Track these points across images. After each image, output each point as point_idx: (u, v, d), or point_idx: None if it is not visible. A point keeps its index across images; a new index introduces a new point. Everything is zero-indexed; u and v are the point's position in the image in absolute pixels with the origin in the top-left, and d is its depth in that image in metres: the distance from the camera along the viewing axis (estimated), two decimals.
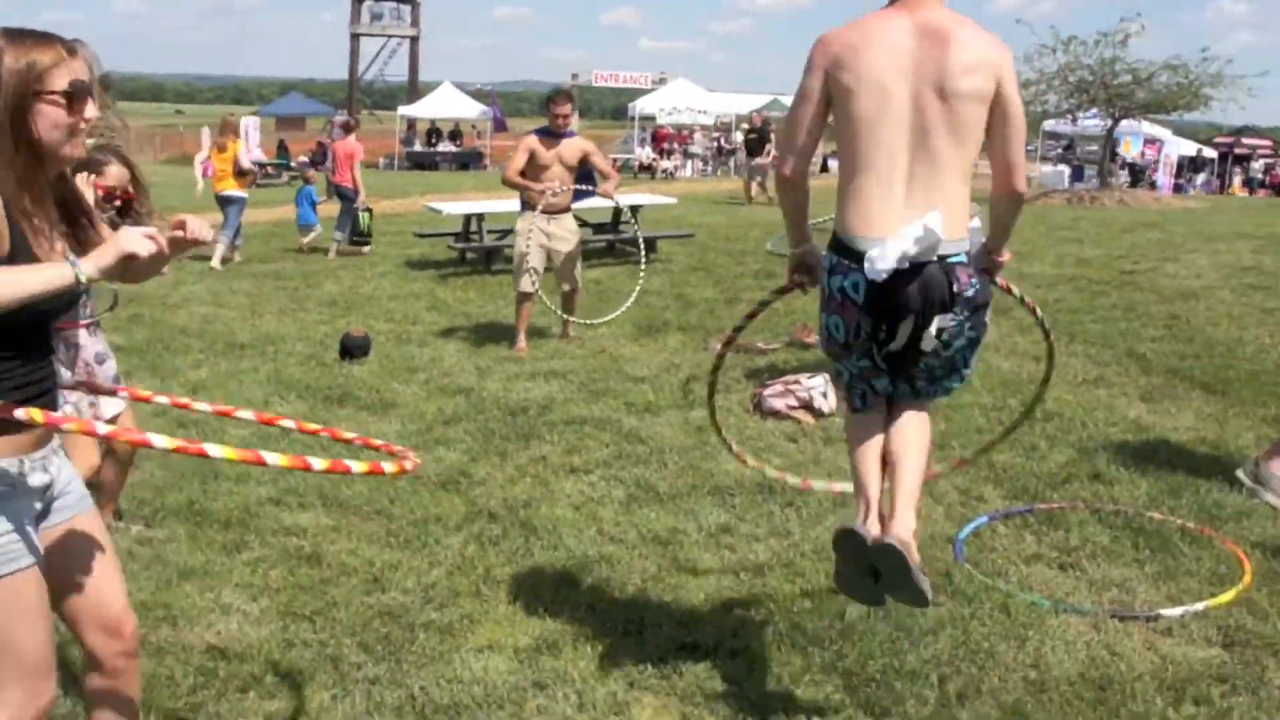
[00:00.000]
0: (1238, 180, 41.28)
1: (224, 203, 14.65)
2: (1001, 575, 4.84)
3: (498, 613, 4.48)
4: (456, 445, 6.63)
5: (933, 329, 3.50)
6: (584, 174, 9.54)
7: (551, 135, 9.22)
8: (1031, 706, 3.78)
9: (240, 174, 14.78)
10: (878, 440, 3.74)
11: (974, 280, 3.54)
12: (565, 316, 9.50)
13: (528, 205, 9.16)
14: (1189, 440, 6.77)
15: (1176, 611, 4.48)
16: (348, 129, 16.81)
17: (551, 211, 9.13)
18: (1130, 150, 38.89)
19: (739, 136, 46.13)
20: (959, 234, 3.49)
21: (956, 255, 3.48)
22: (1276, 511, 5.59)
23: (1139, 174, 38.42)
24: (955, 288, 3.45)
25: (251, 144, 38.06)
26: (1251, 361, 8.78)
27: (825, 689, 3.89)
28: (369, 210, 16.04)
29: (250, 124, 40.27)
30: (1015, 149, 3.54)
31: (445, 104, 47.09)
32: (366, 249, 15.50)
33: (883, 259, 3.34)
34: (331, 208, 16.39)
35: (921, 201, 3.44)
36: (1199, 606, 4.52)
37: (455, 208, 14.87)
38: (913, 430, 3.74)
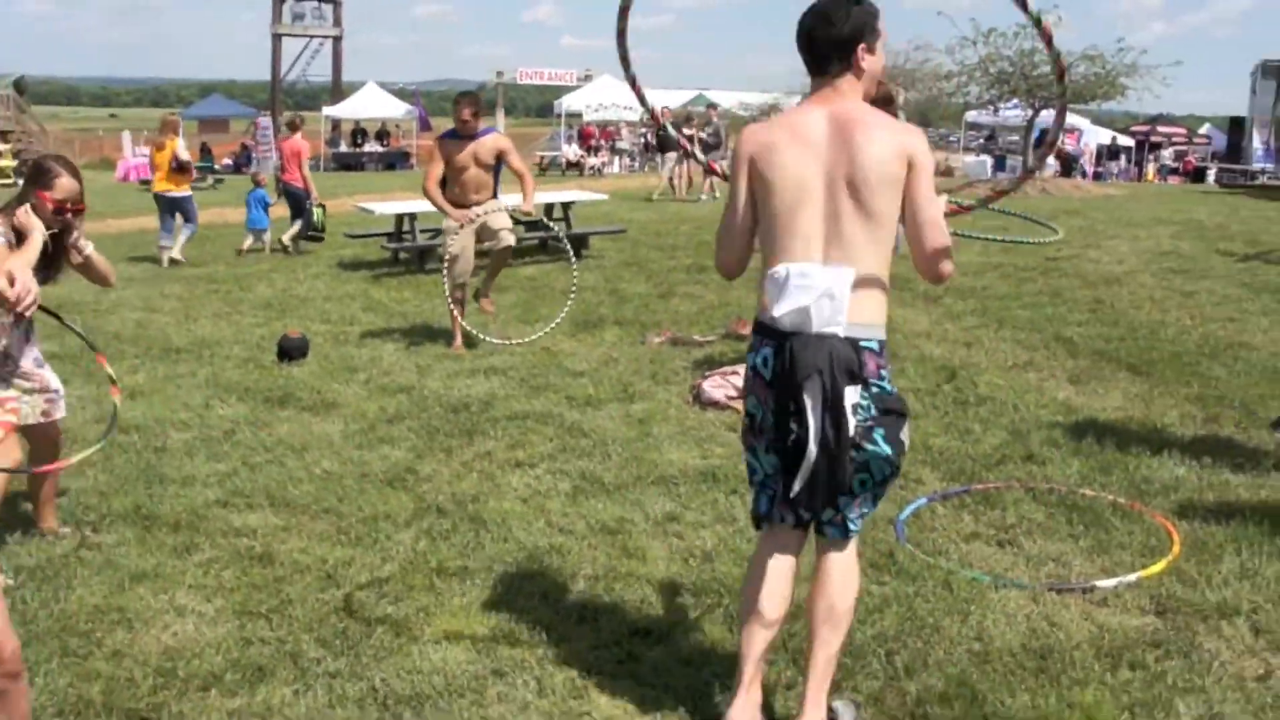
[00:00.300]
0: (1151, 168, 42.05)
1: (167, 203, 14.73)
2: (942, 554, 4.98)
3: (453, 605, 4.54)
4: (401, 443, 6.67)
5: (847, 403, 3.33)
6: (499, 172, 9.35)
7: (461, 136, 9.08)
8: (976, 676, 3.91)
9: (181, 170, 14.78)
10: (778, 586, 3.60)
11: (884, 373, 3.45)
12: (483, 304, 9.46)
13: (455, 204, 9.12)
14: (1117, 420, 6.97)
15: (1111, 583, 4.65)
16: (294, 127, 16.82)
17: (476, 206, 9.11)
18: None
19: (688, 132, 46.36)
20: (870, 319, 3.41)
21: (867, 341, 3.40)
22: None
23: (1071, 163, 39.07)
24: (862, 370, 3.36)
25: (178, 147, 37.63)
26: (1173, 343, 9.03)
27: (777, 667, 3.99)
28: (322, 206, 16.12)
29: None
30: (933, 232, 3.40)
31: (370, 104, 46.83)
32: (318, 245, 15.64)
33: (781, 301, 3.35)
34: (282, 209, 16.37)
35: None
36: (1132, 577, 4.69)
37: (387, 208, 14.85)
38: (835, 588, 3.58)
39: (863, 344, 3.38)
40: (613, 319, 10.23)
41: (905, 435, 3.51)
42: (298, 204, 15.82)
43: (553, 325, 9.07)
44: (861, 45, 3.45)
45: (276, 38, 58.81)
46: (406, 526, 5.39)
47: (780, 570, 3.61)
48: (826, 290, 3.30)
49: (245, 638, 4.27)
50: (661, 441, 6.59)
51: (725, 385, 7.29)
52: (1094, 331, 9.44)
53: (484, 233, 9.22)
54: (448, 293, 8.77)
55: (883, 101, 7.14)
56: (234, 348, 9.28)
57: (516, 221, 9.31)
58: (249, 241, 15.81)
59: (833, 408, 3.31)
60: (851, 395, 3.34)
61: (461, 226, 8.98)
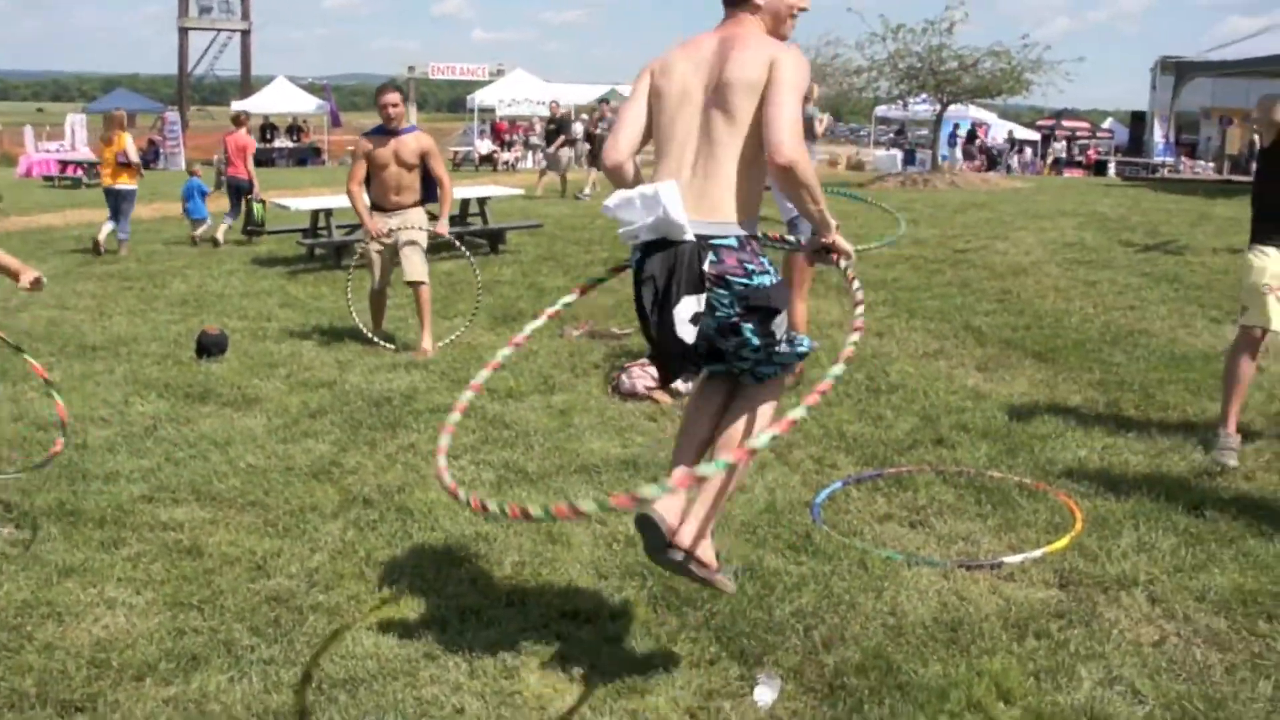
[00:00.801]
0: (1047, 160, 42.84)
1: (115, 196, 15.06)
2: (857, 534, 5.17)
3: (383, 592, 4.63)
4: (324, 437, 6.73)
5: (680, 310, 3.59)
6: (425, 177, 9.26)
7: (385, 133, 9.01)
8: (891, 649, 4.09)
9: (126, 166, 15.10)
10: (697, 404, 4.03)
11: (750, 266, 3.64)
12: (422, 340, 9.16)
13: (375, 203, 9.14)
14: (1023, 405, 7.22)
15: (1017, 558, 4.86)
16: (239, 122, 17.41)
17: (398, 208, 9.09)
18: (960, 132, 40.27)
19: (578, 127, 46.42)
20: (727, 217, 3.64)
21: (724, 239, 3.62)
22: None
23: (995, 158, 39.82)
24: (707, 266, 3.59)
25: (78, 142, 36.99)
26: (1077, 331, 9.34)
27: (701, 644, 4.15)
28: (262, 201, 16.43)
29: (76, 121, 39.09)
30: (774, 128, 3.52)
31: (279, 99, 46.38)
32: (258, 239, 15.85)
33: (611, 201, 3.72)
34: (219, 202, 16.54)
35: (699, 184, 3.68)
36: (1037, 553, 4.91)
37: (303, 203, 14.82)
38: (732, 419, 3.88)
39: (716, 242, 3.63)
40: (531, 313, 10.30)
41: (778, 327, 3.77)
42: (239, 197, 16.04)
43: (454, 336, 9.20)
44: None
45: (183, 31, 58.03)
46: (334, 518, 5.46)
47: (700, 399, 4.04)
48: (661, 204, 3.57)
49: (178, 628, 4.33)
50: (583, 431, 6.71)
51: (644, 376, 7.43)
52: (1001, 321, 9.72)
53: (399, 249, 9.08)
54: (350, 306, 8.71)
55: None
56: (151, 344, 9.24)
57: (433, 217, 9.30)
58: (202, 229, 16.13)
59: (662, 310, 3.65)
60: (690, 304, 3.61)
61: (373, 239, 8.98)
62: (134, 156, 15.18)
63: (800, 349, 3.92)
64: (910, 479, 5.86)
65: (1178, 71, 27.76)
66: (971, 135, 39.33)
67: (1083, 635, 4.22)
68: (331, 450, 6.48)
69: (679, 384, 7.39)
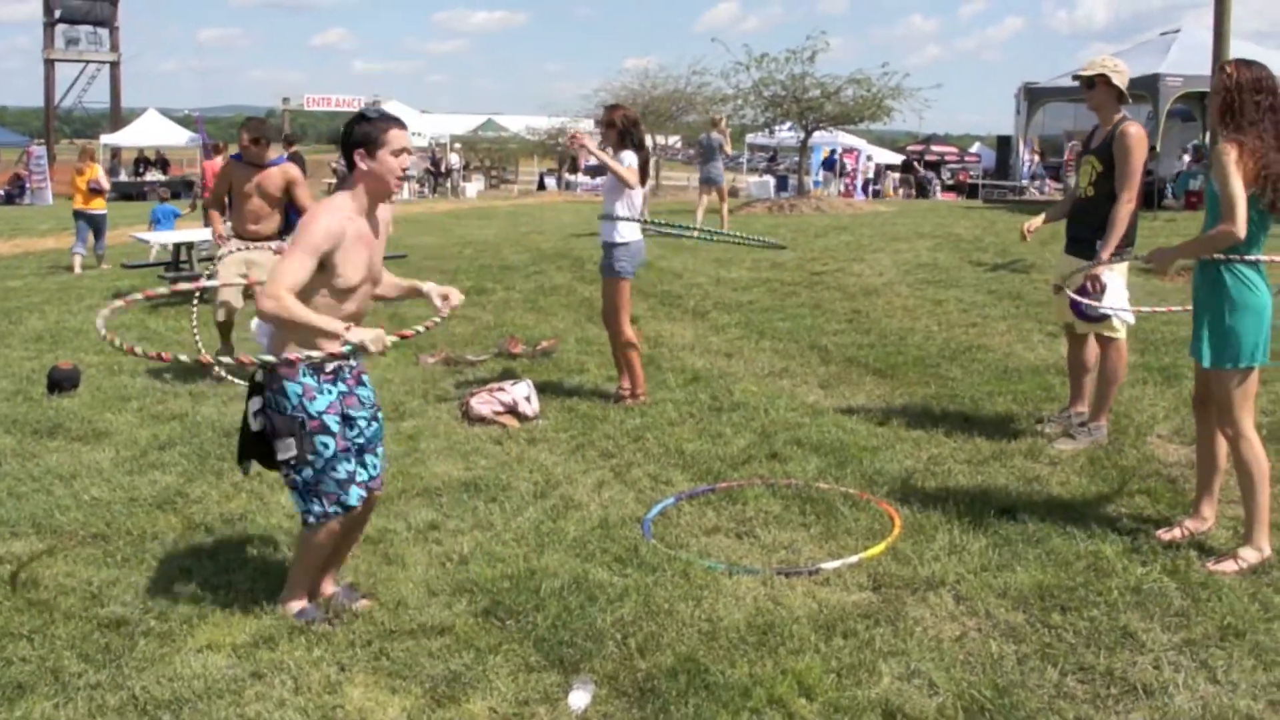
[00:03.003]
0: (887, 182, 43.64)
1: (87, 219, 17.59)
2: (684, 547, 5.38)
3: (215, 616, 4.71)
4: (172, 468, 6.75)
5: (249, 408, 4.59)
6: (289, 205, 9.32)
7: (251, 164, 9.13)
8: (703, 653, 4.29)
9: (98, 192, 17.59)
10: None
11: (285, 385, 4.45)
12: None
13: (235, 231, 9.19)
14: (859, 419, 7.51)
15: (834, 564, 5.11)
16: (218, 150, 19.66)
17: (254, 238, 9.13)
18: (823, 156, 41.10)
19: (455, 158, 46.47)
20: (277, 350, 4.47)
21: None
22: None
23: (925, 186, 40.69)
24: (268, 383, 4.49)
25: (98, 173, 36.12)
26: (919, 348, 9.70)
27: (522, 654, 4.31)
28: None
29: None
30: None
31: (151, 131, 45.75)
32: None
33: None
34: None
35: None
36: (853, 559, 5.16)
37: (163, 238, 14.72)
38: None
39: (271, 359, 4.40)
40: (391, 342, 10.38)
41: (286, 448, 4.47)
42: None
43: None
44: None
45: (49, 63, 56.79)
46: (175, 546, 5.52)
47: None
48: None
49: (5, 659, 4.36)
50: (428, 456, 6.84)
51: (492, 401, 7.58)
52: (848, 340, 10.05)
53: (253, 286, 9.04)
54: (197, 338, 8.68)
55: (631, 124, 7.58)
56: (1, 381, 9.15)
57: None
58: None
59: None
60: (254, 404, 4.55)
61: (221, 242, 9.08)
62: (105, 184, 17.99)
63: (323, 507, 4.57)
64: (741, 492, 6.09)
65: (1032, 97, 28.70)
66: (829, 162, 40.15)
67: (888, 633, 4.47)
68: (178, 481, 6.52)
69: (527, 408, 7.56)
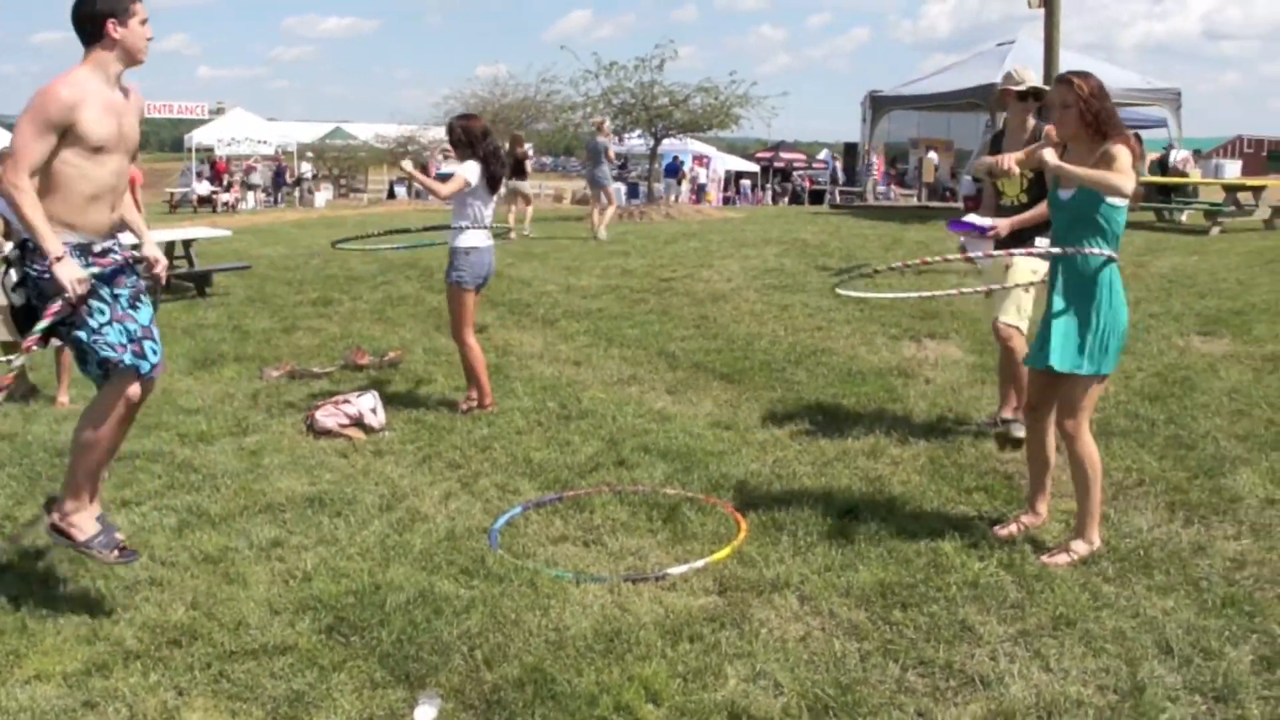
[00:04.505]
0: (712, 190, 44.26)
1: None
2: (531, 556, 5.35)
3: (45, 645, 4.53)
4: (0, 490, 6.51)
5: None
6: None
7: None
8: (550, 662, 4.28)
9: None
10: None
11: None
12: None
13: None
14: (706, 424, 7.57)
15: (681, 569, 5.13)
16: (132, 158, 19.70)
17: None
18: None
19: (307, 167, 45.74)
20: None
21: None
22: None
23: (799, 193, 41.11)
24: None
25: None
26: (765, 352, 9.81)
27: (367, 670, 4.25)
28: None
29: None
30: None
31: None
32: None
33: None
34: None
35: None
36: (699, 563, 5.19)
37: None
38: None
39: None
40: (233, 355, 10.19)
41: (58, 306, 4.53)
42: None
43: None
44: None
45: None
46: (2, 572, 5.31)
47: None
48: None
49: None
50: (272, 471, 6.70)
51: (337, 414, 7.46)
52: (695, 345, 10.12)
53: None
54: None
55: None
56: None
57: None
58: None
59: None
60: (10, 278, 4.73)
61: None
62: None
63: (116, 354, 4.69)
64: (588, 500, 6.09)
65: (876, 105, 29.30)
66: (671, 168, 40.59)
67: (734, 636, 4.50)
68: (6, 504, 6.27)
69: (373, 420, 7.46)
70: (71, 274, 4.45)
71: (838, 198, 36.47)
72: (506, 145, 20.08)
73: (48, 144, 4.45)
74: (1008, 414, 7.01)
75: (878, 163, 36.02)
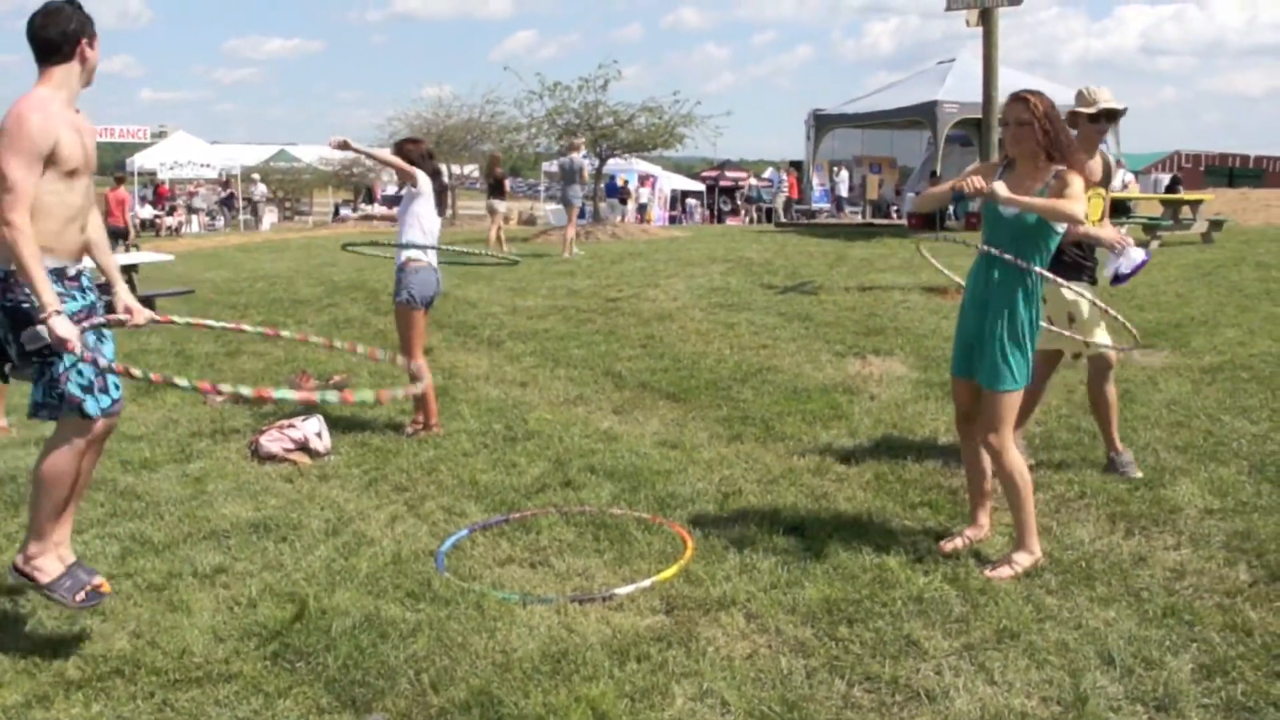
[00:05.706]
0: (654, 208, 44.34)
1: None
2: (478, 578, 5.34)
3: None
4: None
5: None
6: None
7: None
8: (497, 684, 4.27)
9: None
10: None
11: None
12: None
13: None
14: (652, 444, 7.59)
15: (628, 589, 5.14)
16: (119, 180, 23.90)
17: None
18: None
19: (260, 189, 45.42)
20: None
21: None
22: None
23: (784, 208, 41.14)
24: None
25: None
26: (711, 371, 9.86)
27: (313, 696, 4.22)
28: (136, 247, 20.88)
29: None
30: None
31: None
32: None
33: None
34: None
35: None
36: (646, 583, 5.20)
37: None
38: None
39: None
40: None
41: (35, 337, 4.42)
42: (116, 242, 19.18)
43: None
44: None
45: None
46: None
47: None
48: None
49: None
50: (216, 497, 6.64)
51: (282, 438, 7.41)
52: (642, 365, 10.15)
53: None
54: None
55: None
56: None
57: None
58: None
59: None
60: None
61: None
62: None
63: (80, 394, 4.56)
64: (535, 521, 6.09)
65: (820, 123, 29.54)
66: (611, 188, 40.69)
67: (680, 655, 4.51)
68: None
69: (319, 444, 7.43)
70: (68, 332, 4.27)
71: (794, 215, 36.62)
72: (486, 165, 20.64)
73: (38, 175, 4.33)
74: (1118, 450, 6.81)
75: (823, 179, 36.36)
